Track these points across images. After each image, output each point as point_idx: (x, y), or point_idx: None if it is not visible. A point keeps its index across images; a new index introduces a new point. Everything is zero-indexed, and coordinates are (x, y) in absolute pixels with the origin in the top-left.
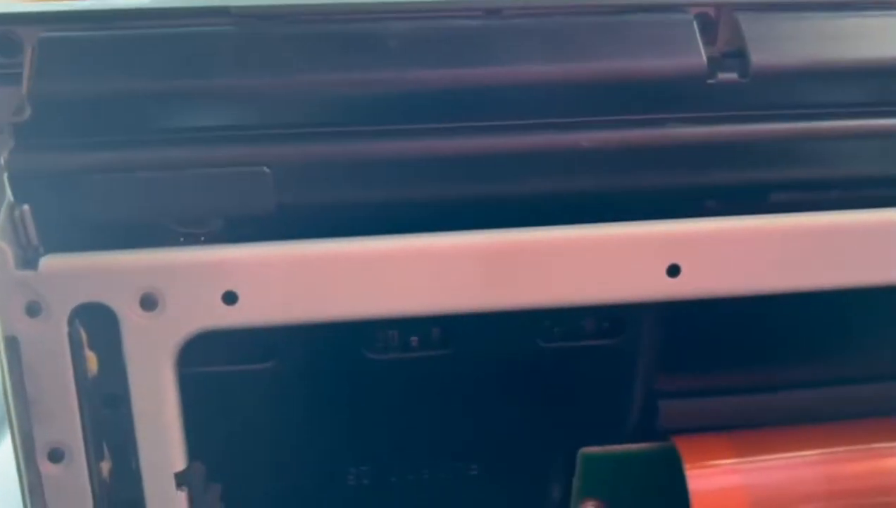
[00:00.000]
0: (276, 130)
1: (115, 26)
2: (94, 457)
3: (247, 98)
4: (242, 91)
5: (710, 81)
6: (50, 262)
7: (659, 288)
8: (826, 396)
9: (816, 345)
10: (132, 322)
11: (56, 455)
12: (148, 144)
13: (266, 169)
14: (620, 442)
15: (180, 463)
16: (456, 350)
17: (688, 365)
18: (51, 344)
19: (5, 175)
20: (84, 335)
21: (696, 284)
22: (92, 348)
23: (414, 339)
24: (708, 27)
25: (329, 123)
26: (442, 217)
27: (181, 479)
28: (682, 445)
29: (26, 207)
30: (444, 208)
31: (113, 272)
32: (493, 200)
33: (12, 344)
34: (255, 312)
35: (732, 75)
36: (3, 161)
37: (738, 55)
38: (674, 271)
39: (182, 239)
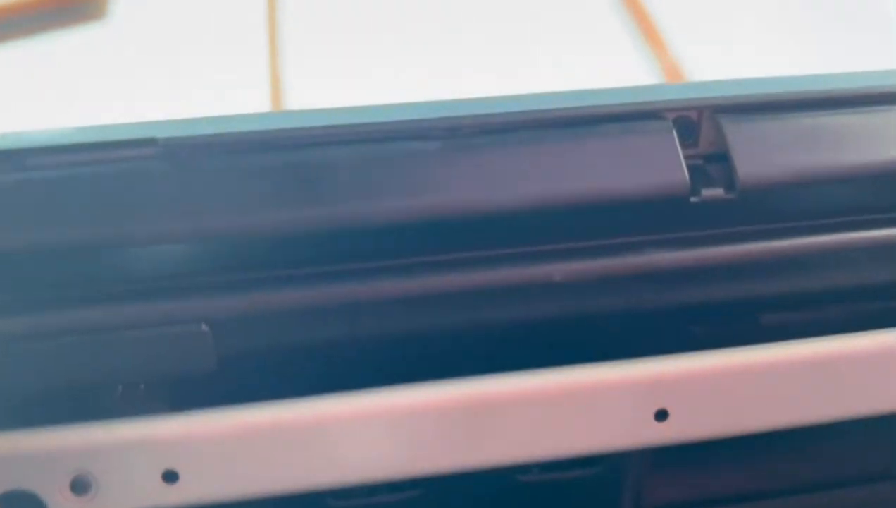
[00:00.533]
0: (213, 278)
1: (27, 166)
2: None
3: (178, 242)
4: (171, 235)
5: (693, 200)
6: None
7: (646, 435)
8: (818, 502)
9: (807, 449)
10: None
11: None
12: (68, 304)
13: (204, 327)
14: None
15: None
16: (429, 490)
17: (674, 480)
18: None
19: None
20: None
21: (685, 428)
22: None
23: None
24: (688, 130)
25: (271, 266)
26: (404, 366)
27: None
28: None
29: None
30: (405, 354)
31: (39, 456)
32: (460, 343)
33: None
34: (198, 491)
35: (717, 191)
36: None
37: (721, 159)
38: (662, 415)
39: (121, 388)
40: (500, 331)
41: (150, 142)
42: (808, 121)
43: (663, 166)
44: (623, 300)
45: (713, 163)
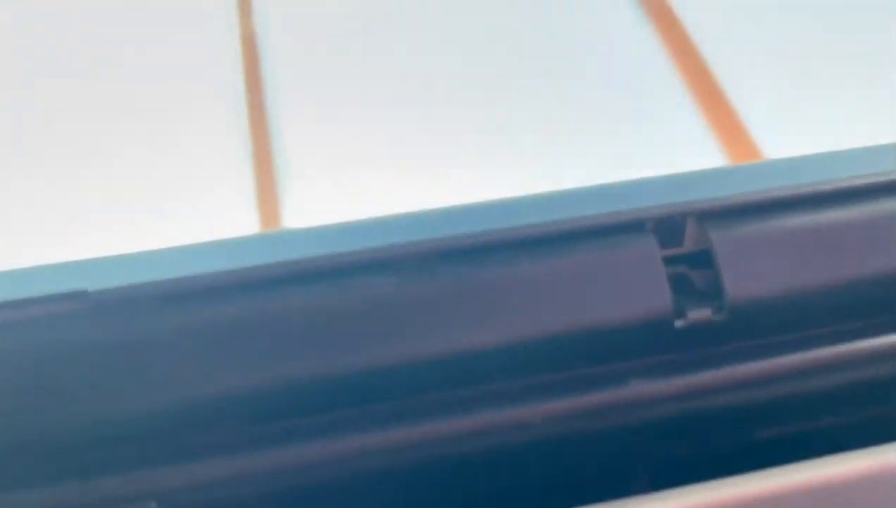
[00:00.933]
0: (160, 445)
1: None
2: None
3: (117, 411)
4: (109, 403)
5: (678, 324)
6: None
7: None
8: None
9: None
10: None
11: None
12: None
13: (153, 505)
14: None
15: None
16: None
17: None
18: None
19: None
20: None
21: None
22: None
23: None
24: (671, 233)
25: (223, 429)
26: None
27: None
28: None
29: None
30: None
31: None
32: (433, 501)
33: None
34: None
35: (705, 313)
36: None
37: (708, 264)
38: None
39: None
40: (466, 483)
41: (78, 296)
42: (804, 220)
43: (643, 289)
44: (606, 434)
45: (699, 269)
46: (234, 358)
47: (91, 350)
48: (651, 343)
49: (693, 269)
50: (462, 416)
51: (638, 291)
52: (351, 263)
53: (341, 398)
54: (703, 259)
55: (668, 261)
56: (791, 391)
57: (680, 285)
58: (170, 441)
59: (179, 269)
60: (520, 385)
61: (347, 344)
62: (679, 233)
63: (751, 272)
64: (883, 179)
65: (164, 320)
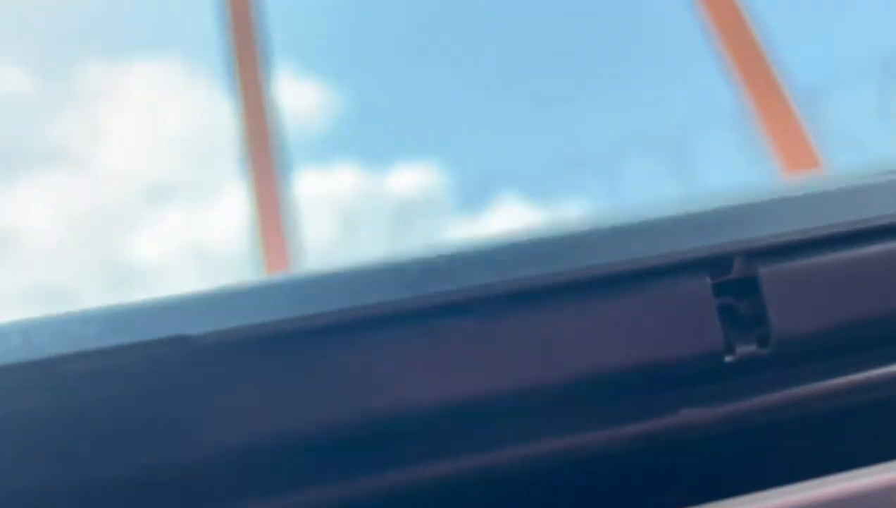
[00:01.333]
0: (268, 477)
1: (61, 379)
2: None
3: (223, 460)
4: (212, 451)
5: (728, 359)
6: None
7: None
8: None
9: None
10: None
11: None
12: None
13: None
14: None
15: None
16: None
17: None
18: None
19: None
20: None
21: None
22: None
23: None
24: (719, 268)
25: (328, 475)
26: None
27: None
28: None
29: None
30: None
31: None
32: None
33: None
34: None
35: (752, 347)
36: None
37: (751, 294)
38: None
39: None
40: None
41: (178, 341)
42: (852, 255)
43: (696, 330)
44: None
45: (745, 301)
46: (341, 394)
47: (191, 391)
48: (701, 376)
49: (739, 301)
50: (529, 443)
51: (691, 330)
52: (429, 305)
53: (457, 423)
54: (750, 292)
55: (717, 295)
56: (833, 416)
57: (728, 322)
58: (279, 471)
59: (271, 309)
60: (577, 415)
61: (449, 377)
62: (727, 269)
63: (797, 308)
64: None
65: (269, 360)
